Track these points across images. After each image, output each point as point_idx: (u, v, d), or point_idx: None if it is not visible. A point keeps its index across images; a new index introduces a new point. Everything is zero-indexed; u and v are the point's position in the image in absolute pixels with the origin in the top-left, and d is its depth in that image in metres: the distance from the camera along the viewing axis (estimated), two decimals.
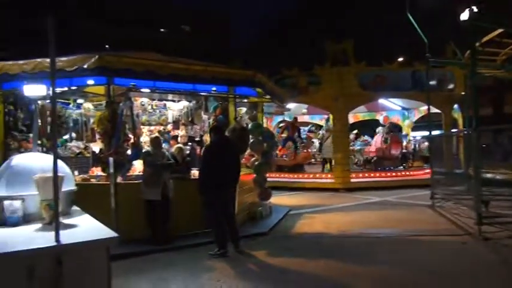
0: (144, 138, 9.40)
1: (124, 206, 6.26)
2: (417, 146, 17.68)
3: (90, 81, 6.70)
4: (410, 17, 10.77)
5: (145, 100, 9.00)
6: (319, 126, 21.18)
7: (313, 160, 17.84)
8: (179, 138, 9.44)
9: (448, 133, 13.63)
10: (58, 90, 6.22)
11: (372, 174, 14.42)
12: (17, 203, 3.35)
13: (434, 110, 13.72)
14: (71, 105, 8.93)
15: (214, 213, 5.98)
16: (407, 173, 14.73)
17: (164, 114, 9.59)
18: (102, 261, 2.80)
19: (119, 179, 6.51)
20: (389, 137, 15.33)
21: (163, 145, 7.70)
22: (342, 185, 13.08)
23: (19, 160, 3.72)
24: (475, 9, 9.43)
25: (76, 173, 7.10)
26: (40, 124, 7.29)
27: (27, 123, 7.29)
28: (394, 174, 14.55)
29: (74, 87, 6.99)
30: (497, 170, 10.53)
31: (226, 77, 7.17)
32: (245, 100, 9.29)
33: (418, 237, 6.78)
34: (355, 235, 7.10)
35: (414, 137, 17.88)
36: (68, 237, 2.79)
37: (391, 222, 8.06)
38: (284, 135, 15.93)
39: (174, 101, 9.33)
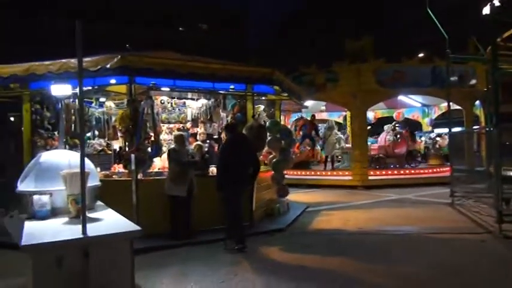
0: (164, 136, 9.61)
1: (145, 201, 6.43)
2: (432, 143, 17.17)
3: (113, 81, 6.90)
4: (430, 13, 10.64)
5: (165, 98, 9.19)
6: (339, 124, 21.11)
7: (316, 158, 17.53)
8: (198, 136, 9.59)
9: (469, 130, 13.41)
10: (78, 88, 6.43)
11: (390, 172, 14.30)
12: (45, 198, 3.53)
13: (455, 106, 13.53)
14: (93, 104, 9.19)
15: (231, 210, 6.10)
16: (427, 171, 14.55)
17: (183, 112, 9.78)
18: (126, 253, 2.95)
19: (140, 176, 6.69)
20: (394, 135, 15.30)
21: None
22: (360, 183, 13.02)
23: (47, 157, 3.90)
24: (497, 3, 9.27)
25: (98, 169, 7.32)
26: (65, 122, 7.54)
27: (52, 122, 7.54)
28: (413, 171, 14.41)
29: (96, 86, 7.20)
30: None
31: (244, 75, 7.25)
32: (263, 98, 9.37)
33: (436, 235, 6.75)
34: (373, 232, 7.10)
35: (428, 134, 17.41)
36: (93, 230, 2.94)
37: (410, 220, 8.03)
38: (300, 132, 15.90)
39: (193, 99, 9.49)
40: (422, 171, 14.56)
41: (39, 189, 3.57)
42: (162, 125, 9.49)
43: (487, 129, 9.40)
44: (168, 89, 7.91)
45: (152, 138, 7.15)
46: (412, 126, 18.26)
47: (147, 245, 5.72)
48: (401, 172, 14.28)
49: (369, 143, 16.00)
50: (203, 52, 10.95)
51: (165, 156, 8.00)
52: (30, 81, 6.84)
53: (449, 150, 11.66)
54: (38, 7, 23.16)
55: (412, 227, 7.36)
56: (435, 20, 10.40)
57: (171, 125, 10.03)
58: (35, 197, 3.49)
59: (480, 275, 4.84)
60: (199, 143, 8.02)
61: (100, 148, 9.26)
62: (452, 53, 10.25)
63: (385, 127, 16.00)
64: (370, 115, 17.23)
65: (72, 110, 7.88)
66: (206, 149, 8.09)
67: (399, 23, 26.30)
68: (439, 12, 10.70)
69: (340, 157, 15.85)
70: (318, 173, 14.68)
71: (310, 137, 15.42)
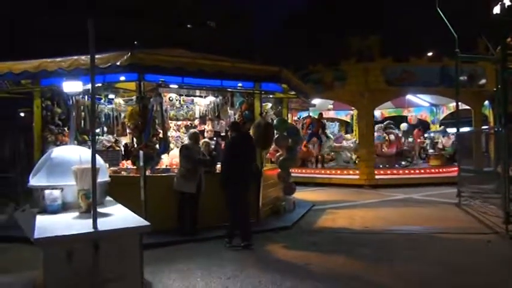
0: (172, 133, 9.68)
1: (152, 197, 6.51)
2: (431, 143, 16.52)
3: (122, 78, 6.96)
4: (440, 12, 10.58)
5: (173, 95, 9.25)
6: (347, 123, 21.08)
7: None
8: (205, 133, 9.65)
9: (477, 130, 13.33)
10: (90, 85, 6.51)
11: (396, 172, 14.26)
12: (57, 192, 3.60)
13: (463, 106, 13.44)
14: (102, 101, 9.28)
15: (234, 207, 6.16)
16: (434, 171, 14.48)
17: (191, 110, 9.84)
18: (136, 248, 3.01)
19: (148, 172, 6.76)
20: (387, 134, 15.34)
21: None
22: (367, 182, 13.02)
23: (58, 152, 3.97)
24: (507, 2, 9.19)
25: (107, 165, 7.40)
26: (74, 118, 7.64)
27: (63, 118, 7.64)
28: (420, 171, 14.35)
29: (106, 83, 7.28)
30: None
31: (252, 73, 7.29)
32: (270, 96, 9.40)
33: (442, 235, 6.75)
34: (379, 231, 7.12)
35: (437, 133, 17.25)
36: (104, 224, 3.01)
37: (416, 220, 8.03)
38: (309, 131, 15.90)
39: (201, 96, 9.54)
40: (429, 171, 14.49)
41: (50, 184, 3.63)
42: (170, 122, 9.57)
43: (496, 129, 9.35)
44: (176, 86, 7.98)
45: (160, 135, 7.22)
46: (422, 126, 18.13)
47: (155, 240, 5.79)
48: (409, 172, 14.23)
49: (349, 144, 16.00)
50: (211, 49, 11.00)
51: (172, 153, 8.09)
52: (41, 77, 6.95)
53: (457, 150, 11.60)
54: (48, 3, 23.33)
55: (418, 227, 7.36)
56: (445, 19, 10.34)
57: (179, 122, 10.11)
58: (47, 191, 3.56)
59: (485, 275, 4.84)
60: (206, 140, 8.08)
61: (109, 144, 9.35)
62: (462, 52, 10.19)
63: (376, 127, 15.94)
64: (377, 113, 17.16)
65: (82, 107, 7.98)
66: (213, 146, 8.14)
67: (408, 22, 26.12)
68: (448, 11, 10.62)
69: (329, 156, 15.84)
70: (324, 171, 14.68)
71: (317, 135, 15.41)
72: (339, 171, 14.47)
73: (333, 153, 15.91)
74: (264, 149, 8.26)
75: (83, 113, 8.00)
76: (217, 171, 7.37)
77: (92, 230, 2.88)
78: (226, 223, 6.34)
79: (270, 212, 8.33)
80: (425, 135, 16.80)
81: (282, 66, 7.48)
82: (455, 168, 10.90)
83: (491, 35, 10.98)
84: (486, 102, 14.81)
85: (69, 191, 3.64)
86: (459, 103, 10.85)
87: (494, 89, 13.10)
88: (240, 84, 8.00)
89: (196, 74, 6.73)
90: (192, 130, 7.66)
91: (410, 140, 16.16)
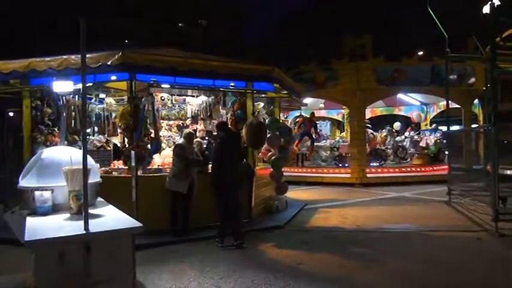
0: (163, 133, 9.64)
1: (144, 198, 6.48)
2: (411, 142, 16.21)
3: (113, 77, 6.90)
4: (431, 11, 10.66)
5: (165, 95, 9.19)
6: (338, 122, 21.19)
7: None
8: (197, 133, 9.62)
9: (467, 129, 13.47)
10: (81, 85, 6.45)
11: (390, 170, 14.36)
12: (47, 194, 3.55)
13: (454, 105, 13.58)
14: (93, 100, 9.20)
15: (223, 207, 6.18)
16: (425, 169, 14.61)
17: (183, 109, 9.80)
18: (128, 249, 2.98)
19: (140, 172, 6.73)
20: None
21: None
22: (358, 180, 13.10)
23: (49, 153, 3.92)
24: (497, 2, 9.28)
25: (98, 166, 7.35)
26: (65, 118, 7.56)
27: (53, 118, 7.55)
28: (411, 170, 14.47)
29: (97, 83, 7.22)
30: None
31: (244, 73, 7.26)
32: (263, 95, 9.40)
33: (433, 233, 6.81)
34: (371, 230, 7.16)
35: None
36: (95, 226, 2.98)
37: (407, 218, 8.09)
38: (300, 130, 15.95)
39: (193, 96, 9.50)
40: (421, 169, 14.61)
41: (40, 185, 3.59)
42: (162, 121, 9.52)
43: (485, 128, 9.46)
44: (168, 86, 7.93)
45: (152, 135, 7.18)
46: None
47: (146, 241, 5.77)
48: (400, 170, 14.34)
49: (342, 141, 16.13)
50: (203, 49, 10.96)
51: (164, 153, 8.04)
52: (30, 77, 6.86)
53: (447, 149, 11.72)
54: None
55: (409, 225, 7.42)
56: (435, 18, 10.42)
57: (171, 122, 10.07)
58: (37, 193, 3.51)
59: (476, 272, 4.90)
60: (199, 139, 8.05)
61: (99, 144, 9.28)
62: (452, 51, 10.28)
63: None
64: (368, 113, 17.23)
65: (72, 106, 7.90)
66: (205, 146, 8.12)
67: (399, 22, 26.29)
68: (439, 11, 10.71)
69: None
70: (317, 170, 14.73)
71: (309, 134, 15.46)
72: (330, 170, 14.53)
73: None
74: (256, 149, 8.26)
75: (73, 113, 7.91)
76: (210, 171, 7.35)
77: (83, 231, 2.85)
78: (218, 223, 6.34)
79: (262, 211, 8.34)
80: (406, 133, 16.86)
81: (274, 65, 7.48)
82: (446, 167, 11.00)
83: (480, 34, 11.10)
84: (476, 101, 14.97)
85: (60, 192, 3.60)
86: (449, 102, 10.95)
87: (484, 88, 13.30)
88: (232, 84, 7.99)
89: (188, 74, 6.69)
90: (186, 130, 7.64)
91: (398, 139, 16.20)
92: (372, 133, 15.64)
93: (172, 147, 7.56)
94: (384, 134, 16.12)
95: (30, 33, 21.07)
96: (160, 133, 8.71)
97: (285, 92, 8.98)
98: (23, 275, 3.95)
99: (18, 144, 8.30)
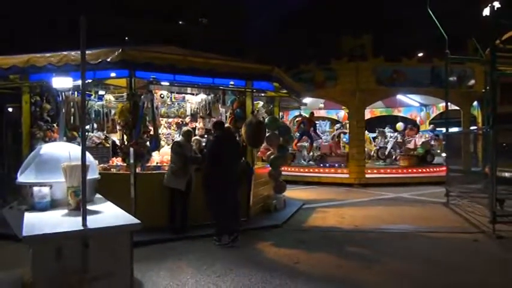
0: (162, 130, 9.64)
1: (142, 195, 6.49)
2: (394, 143, 16.12)
3: (113, 74, 6.91)
4: (431, 13, 10.67)
5: (164, 93, 9.20)
6: (337, 122, 21.19)
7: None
8: (197, 131, 9.63)
9: (465, 131, 13.49)
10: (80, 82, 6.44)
11: (388, 170, 14.38)
12: (46, 189, 3.56)
13: (453, 107, 13.59)
14: (92, 97, 9.20)
15: (217, 206, 6.17)
16: (423, 170, 14.63)
17: (183, 107, 9.82)
18: (126, 246, 2.99)
19: (138, 169, 6.73)
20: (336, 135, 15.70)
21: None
22: (357, 180, 13.12)
23: (47, 149, 3.93)
24: (497, 4, 9.31)
25: (96, 162, 7.35)
26: (64, 114, 7.56)
27: (52, 114, 7.54)
28: (410, 170, 14.48)
29: (96, 79, 7.21)
30: None
31: (244, 72, 7.26)
32: (262, 94, 9.40)
33: (430, 234, 6.83)
34: (368, 230, 7.17)
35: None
36: (93, 222, 2.99)
37: (405, 219, 8.11)
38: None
39: (192, 94, 9.51)
40: (419, 170, 14.62)
41: (39, 181, 3.60)
42: (161, 119, 9.51)
43: (484, 130, 9.47)
44: (168, 84, 7.92)
45: (151, 132, 7.18)
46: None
47: (144, 238, 5.77)
48: (398, 171, 14.36)
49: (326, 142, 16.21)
50: (203, 47, 10.95)
51: (163, 150, 8.06)
52: (30, 72, 6.86)
53: (446, 151, 11.73)
54: None
55: (407, 226, 7.44)
56: (435, 20, 10.43)
57: (170, 120, 10.07)
58: (35, 188, 3.52)
59: (472, 273, 4.91)
60: (197, 137, 8.06)
61: (98, 141, 9.28)
62: (452, 53, 10.30)
63: (336, 126, 16.46)
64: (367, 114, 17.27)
65: (72, 103, 7.90)
66: (204, 144, 8.12)
67: (399, 22, 26.31)
68: (439, 12, 10.72)
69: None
70: (316, 170, 14.74)
71: (308, 134, 15.47)
72: (327, 170, 14.54)
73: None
74: (255, 147, 8.27)
75: (72, 109, 7.91)
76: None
77: (81, 227, 2.86)
78: (214, 222, 6.35)
79: (260, 210, 8.35)
80: (390, 134, 16.91)
81: (274, 64, 7.48)
82: (445, 168, 11.02)
83: (480, 36, 11.11)
84: (475, 103, 15.00)
85: (58, 188, 3.61)
86: (448, 103, 10.97)
87: (483, 90, 13.32)
88: (231, 82, 8.00)
89: (188, 72, 6.69)
90: (185, 128, 7.64)
91: (390, 140, 16.20)
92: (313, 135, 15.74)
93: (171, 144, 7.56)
94: (374, 135, 16.19)
95: (30, 32, 21.05)
96: (160, 131, 8.72)
97: (285, 91, 8.98)
98: (21, 271, 3.96)
99: (17, 140, 8.28)
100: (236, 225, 6.28)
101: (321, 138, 16.41)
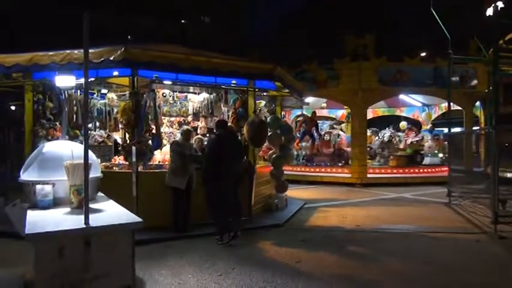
0: (165, 129, 9.65)
1: (144, 194, 6.50)
2: (383, 143, 15.94)
3: (115, 73, 6.92)
4: (434, 13, 10.65)
5: (167, 91, 9.21)
6: (340, 122, 21.16)
7: None
8: (199, 130, 9.64)
9: (468, 131, 13.45)
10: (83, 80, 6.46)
11: (389, 170, 14.36)
12: (48, 187, 3.57)
13: (455, 107, 13.57)
14: (95, 95, 9.22)
15: (216, 205, 6.16)
16: (426, 170, 14.60)
17: (185, 106, 9.82)
18: (127, 244, 3.00)
19: (140, 168, 6.74)
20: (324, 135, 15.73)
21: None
22: (359, 180, 13.10)
23: (50, 147, 3.95)
24: (500, 4, 9.28)
25: (99, 161, 7.37)
26: (66, 112, 7.57)
27: (55, 112, 7.56)
28: (411, 171, 14.45)
29: (99, 78, 7.23)
30: None
31: (246, 71, 7.27)
32: (264, 93, 9.40)
33: (431, 234, 6.82)
34: (370, 230, 7.17)
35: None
36: (95, 220, 3.00)
37: (406, 219, 8.09)
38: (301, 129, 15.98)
39: (195, 93, 9.52)
40: (421, 170, 14.60)
41: (42, 179, 3.61)
42: (163, 118, 9.53)
43: (486, 130, 9.46)
44: (170, 83, 7.94)
45: (153, 131, 7.20)
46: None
47: (146, 236, 5.79)
48: (400, 171, 14.33)
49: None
50: (205, 45, 10.96)
51: (165, 149, 8.06)
52: (33, 71, 6.88)
53: (448, 151, 11.70)
54: None
55: (408, 226, 7.42)
56: (438, 20, 10.41)
57: (172, 118, 10.09)
58: (38, 186, 3.54)
59: (474, 273, 4.90)
60: (199, 136, 8.07)
61: (101, 139, 9.29)
62: (454, 53, 10.27)
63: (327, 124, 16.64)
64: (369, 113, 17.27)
65: (74, 101, 7.91)
66: (206, 143, 8.13)
67: (402, 22, 26.24)
68: (442, 12, 10.70)
69: None
70: (318, 169, 14.73)
71: (310, 133, 15.47)
72: (328, 170, 14.53)
73: None
74: (257, 147, 8.27)
75: (75, 108, 7.93)
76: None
77: (84, 226, 2.87)
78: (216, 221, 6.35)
79: (262, 210, 8.35)
80: (379, 134, 16.91)
81: (276, 64, 7.48)
82: (446, 169, 11.01)
83: (483, 36, 11.08)
84: (477, 103, 14.96)
85: (61, 187, 3.62)
86: (451, 103, 10.95)
87: (486, 90, 13.29)
88: (234, 81, 8.00)
89: (190, 71, 6.72)
90: (184, 127, 7.65)
91: (377, 139, 16.18)
92: (338, 134, 15.71)
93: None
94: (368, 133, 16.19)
95: (32, 30, 21.06)
96: (162, 129, 8.73)
97: (287, 90, 8.98)
98: (23, 268, 3.98)
99: (19, 138, 8.31)
100: (236, 223, 6.29)
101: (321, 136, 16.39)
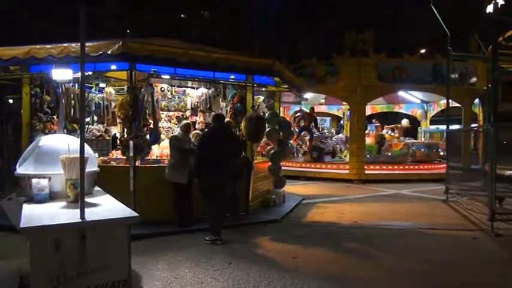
0: (163, 124, 9.63)
1: (142, 188, 6.49)
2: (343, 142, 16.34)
3: (113, 67, 6.89)
4: (434, 9, 10.60)
5: (165, 86, 9.18)
6: (338, 118, 21.18)
7: None
8: (197, 125, 9.62)
9: (466, 128, 13.47)
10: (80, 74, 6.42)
11: (388, 167, 14.37)
12: (44, 181, 3.55)
13: (454, 104, 13.56)
14: (93, 89, 9.18)
15: (211, 201, 6.08)
16: (424, 167, 14.63)
17: (183, 101, 9.80)
18: (123, 239, 2.99)
19: (138, 163, 6.72)
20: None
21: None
22: (357, 176, 13.11)
23: (46, 141, 3.92)
24: (500, 1, 9.25)
25: (96, 155, 7.35)
26: (64, 106, 7.54)
27: (52, 106, 7.53)
28: (409, 167, 14.48)
29: (97, 72, 7.20)
30: None
31: (245, 66, 7.22)
32: (263, 89, 9.38)
33: (428, 231, 6.84)
34: (367, 226, 7.18)
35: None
36: (91, 214, 2.99)
37: (404, 215, 8.11)
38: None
39: (193, 87, 9.49)
40: (419, 167, 14.63)
41: (38, 173, 3.59)
42: (161, 112, 9.50)
43: (485, 127, 9.46)
44: (168, 77, 7.91)
45: (151, 126, 7.18)
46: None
47: (143, 231, 5.80)
48: (398, 167, 14.35)
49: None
50: (204, 40, 10.90)
51: (163, 143, 8.05)
52: (30, 64, 6.85)
53: (446, 148, 11.72)
54: None
55: (406, 222, 7.44)
56: (438, 16, 10.37)
57: (170, 113, 10.06)
58: (34, 180, 3.52)
59: (470, 270, 4.92)
60: (197, 131, 8.05)
61: (98, 134, 9.27)
62: (454, 50, 10.25)
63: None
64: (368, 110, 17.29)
65: (72, 95, 7.88)
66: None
67: (401, 19, 26.17)
68: (442, 9, 10.65)
69: None
70: (316, 165, 14.74)
71: (308, 129, 15.45)
72: (329, 166, 14.54)
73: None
74: (255, 142, 8.26)
75: (72, 102, 7.90)
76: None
77: (80, 220, 2.86)
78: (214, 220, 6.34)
79: (259, 205, 8.36)
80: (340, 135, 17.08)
81: (276, 59, 7.45)
82: (444, 165, 11.02)
83: (483, 33, 11.05)
84: (476, 101, 14.96)
85: (57, 180, 3.60)
86: (450, 100, 10.93)
87: (485, 88, 13.29)
88: (232, 77, 7.97)
89: (189, 65, 6.67)
90: (184, 121, 7.63)
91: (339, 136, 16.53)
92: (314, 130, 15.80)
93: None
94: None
95: (30, 23, 20.94)
96: (160, 124, 8.71)
97: (285, 86, 8.96)
98: (19, 262, 3.97)
99: (16, 131, 8.27)
100: (235, 216, 6.26)
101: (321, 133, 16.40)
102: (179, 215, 6.59)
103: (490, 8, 9.08)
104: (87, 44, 5.79)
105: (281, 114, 11.47)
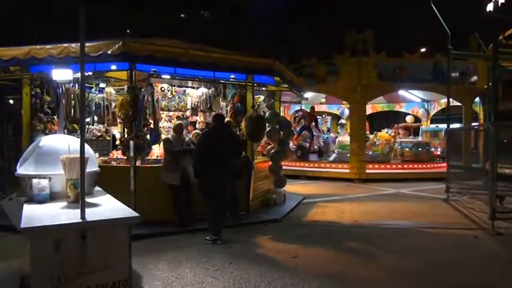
0: (163, 124, 9.63)
1: (142, 188, 6.49)
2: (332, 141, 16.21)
3: (113, 67, 6.89)
4: (434, 8, 10.60)
5: (165, 86, 9.19)
6: (337, 117, 21.18)
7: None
8: (197, 125, 9.62)
9: (466, 127, 13.46)
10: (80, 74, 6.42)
11: (388, 166, 14.37)
12: (45, 182, 3.55)
13: (455, 103, 13.55)
14: (93, 90, 9.19)
15: (211, 201, 6.08)
16: (424, 166, 14.62)
17: (183, 100, 9.81)
18: (124, 239, 2.99)
19: (138, 163, 6.72)
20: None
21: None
22: (357, 176, 13.11)
23: (47, 141, 3.92)
24: (501, 0, 9.24)
25: (97, 155, 7.36)
26: (64, 106, 7.55)
27: (52, 106, 7.53)
28: (410, 166, 14.47)
29: (97, 72, 7.20)
30: None
31: (245, 66, 7.21)
32: (263, 88, 9.38)
33: (429, 230, 6.83)
34: (367, 225, 7.18)
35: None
36: (92, 214, 2.99)
37: (404, 214, 8.11)
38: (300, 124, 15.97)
39: (193, 87, 9.50)
40: (419, 166, 14.62)
41: (38, 173, 3.59)
42: (161, 112, 9.51)
43: (485, 126, 9.45)
44: (168, 77, 7.91)
45: (151, 126, 7.18)
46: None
47: (144, 231, 5.80)
48: (399, 166, 14.35)
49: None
50: (204, 40, 10.91)
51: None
52: (30, 64, 6.85)
53: (447, 146, 11.71)
54: None
55: (406, 221, 7.43)
56: (438, 15, 10.36)
57: (171, 113, 10.07)
58: (34, 180, 3.52)
59: (471, 269, 4.92)
60: (197, 131, 8.05)
61: (99, 134, 9.28)
62: (454, 49, 10.24)
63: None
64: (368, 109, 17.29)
65: (72, 95, 7.88)
66: None
67: (402, 18, 26.15)
68: (442, 7, 10.64)
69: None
70: (317, 165, 14.75)
71: (308, 129, 15.45)
72: (328, 165, 14.54)
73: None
74: (256, 142, 8.25)
75: (73, 102, 7.90)
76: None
77: (80, 220, 2.86)
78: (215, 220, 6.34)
79: (260, 205, 8.36)
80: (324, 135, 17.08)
81: (276, 58, 7.45)
82: (444, 164, 11.01)
83: (484, 32, 11.04)
84: (477, 99, 14.95)
85: (57, 181, 3.60)
86: (450, 99, 10.93)
87: (485, 86, 13.27)
88: (232, 76, 7.97)
89: (189, 65, 6.66)
90: (176, 122, 7.65)
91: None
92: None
93: None
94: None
95: (30, 23, 20.93)
96: (160, 124, 8.72)
97: (286, 85, 8.96)
98: (19, 262, 3.97)
99: (17, 132, 8.28)
100: (235, 216, 6.26)
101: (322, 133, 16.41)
102: (179, 215, 6.59)
103: (490, 7, 9.08)
104: (87, 44, 5.80)
105: (281, 114, 11.46)
